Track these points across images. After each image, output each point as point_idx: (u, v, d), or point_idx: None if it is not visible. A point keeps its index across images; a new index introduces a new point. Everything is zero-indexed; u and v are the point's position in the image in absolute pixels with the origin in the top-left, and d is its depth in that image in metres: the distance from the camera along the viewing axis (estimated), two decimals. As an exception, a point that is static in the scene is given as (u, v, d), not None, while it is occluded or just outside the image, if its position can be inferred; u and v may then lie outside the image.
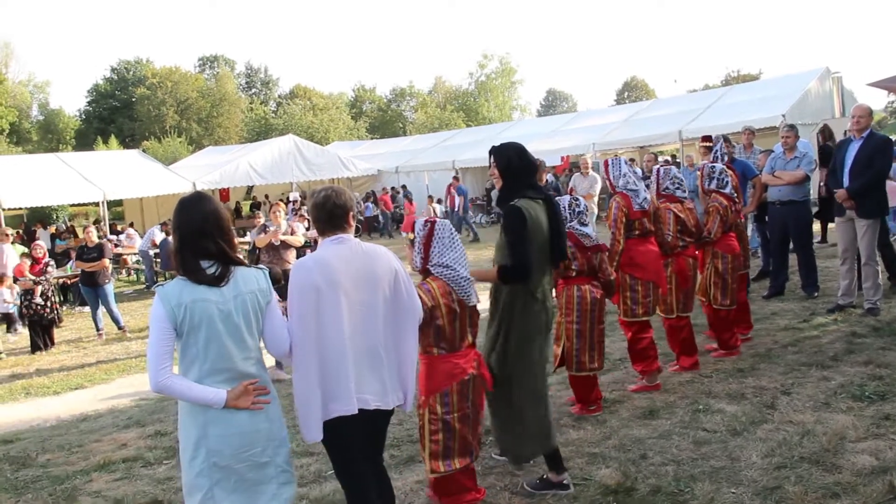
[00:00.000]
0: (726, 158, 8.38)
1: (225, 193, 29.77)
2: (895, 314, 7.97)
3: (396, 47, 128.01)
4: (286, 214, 12.91)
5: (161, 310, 3.08)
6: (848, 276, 8.36)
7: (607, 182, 6.47)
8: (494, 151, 4.78)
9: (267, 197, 30.15)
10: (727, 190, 7.20)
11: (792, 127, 9.32)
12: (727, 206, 7.12)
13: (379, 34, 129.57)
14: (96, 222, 20.92)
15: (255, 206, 30.75)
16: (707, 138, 9.54)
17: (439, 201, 25.79)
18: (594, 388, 5.91)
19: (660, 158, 24.48)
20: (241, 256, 3.34)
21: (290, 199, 26.82)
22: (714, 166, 7.38)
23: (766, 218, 9.90)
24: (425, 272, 4.17)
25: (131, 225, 24.66)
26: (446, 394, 4.11)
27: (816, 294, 9.17)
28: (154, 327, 3.09)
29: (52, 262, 12.47)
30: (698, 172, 7.79)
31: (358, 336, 3.51)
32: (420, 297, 3.88)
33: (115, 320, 11.99)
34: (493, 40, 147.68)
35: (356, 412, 3.47)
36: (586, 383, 5.85)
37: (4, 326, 13.38)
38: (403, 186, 29.58)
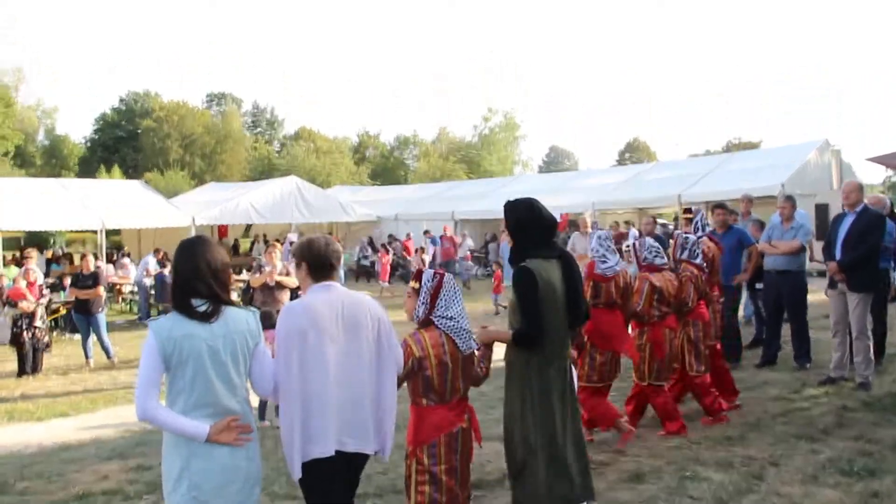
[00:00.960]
0: (707, 229, 8.49)
1: (224, 230, 29.86)
2: (886, 389, 7.97)
3: (402, 96, 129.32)
4: (282, 255, 12.93)
5: (153, 342, 3.20)
6: (840, 349, 8.39)
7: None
8: (506, 208, 4.74)
9: (265, 236, 30.13)
10: (698, 261, 7.32)
11: (789, 198, 9.42)
12: (698, 276, 7.23)
13: (385, 82, 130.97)
14: (94, 253, 20.84)
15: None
16: (688, 210, 9.67)
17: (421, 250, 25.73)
18: None
19: (659, 221, 24.66)
20: (234, 298, 3.47)
21: (289, 240, 26.89)
22: (687, 237, 7.51)
23: (759, 286, 9.96)
24: (426, 322, 4.16)
25: (127, 255, 24.63)
26: (433, 445, 4.07)
27: (808, 365, 9.17)
28: (145, 358, 3.21)
29: (46, 287, 12.43)
30: (672, 241, 7.92)
31: (342, 381, 3.62)
32: (409, 347, 3.98)
33: (105, 350, 11.93)
34: (499, 94, 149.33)
35: (332, 454, 3.56)
36: None
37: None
38: (408, 234, 29.50)
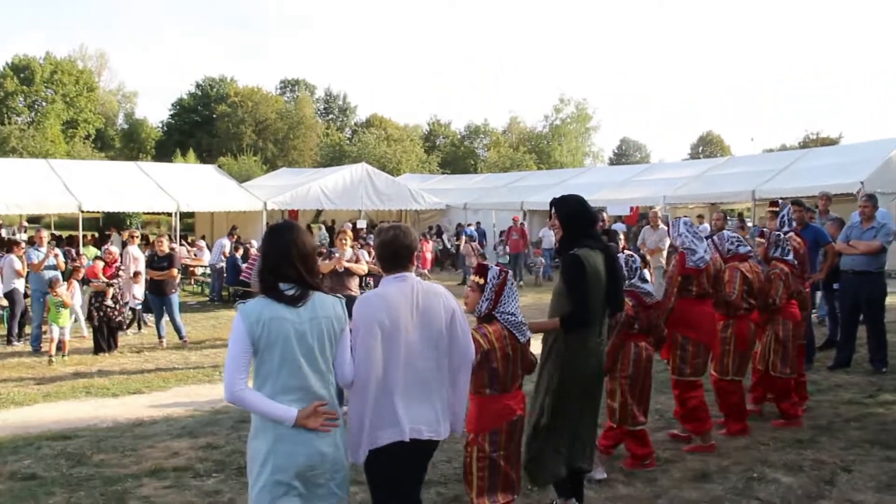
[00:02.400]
0: (794, 224, 8.23)
1: (294, 215, 30.25)
2: (967, 398, 7.70)
3: (474, 84, 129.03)
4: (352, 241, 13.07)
5: (241, 325, 3.24)
6: (920, 355, 8.13)
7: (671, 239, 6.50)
8: (556, 203, 4.97)
9: (333, 222, 30.48)
10: (789, 258, 7.16)
11: (871, 197, 9.13)
12: (789, 273, 7.04)
13: (457, 71, 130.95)
14: (169, 235, 21.37)
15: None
16: (774, 203, 9.40)
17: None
18: (646, 442, 5.83)
19: (729, 219, 24.15)
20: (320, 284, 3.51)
21: (357, 226, 27.15)
22: (779, 234, 7.33)
23: (836, 287, 9.70)
24: (488, 317, 4.29)
25: (202, 238, 25.19)
26: (495, 433, 4.24)
27: (884, 370, 8.90)
28: (234, 341, 3.25)
29: (124, 267, 12.76)
30: (759, 239, 7.72)
31: (414, 370, 3.66)
32: (476, 341, 4.05)
33: (178, 330, 12.25)
34: (571, 84, 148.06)
35: (407, 440, 3.59)
36: (638, 438, 5.78)
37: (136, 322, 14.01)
38: (478, 223, 29.44)
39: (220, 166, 38.30)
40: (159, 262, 12.27)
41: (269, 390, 3.26)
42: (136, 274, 13.24)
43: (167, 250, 12.45)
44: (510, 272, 4.38)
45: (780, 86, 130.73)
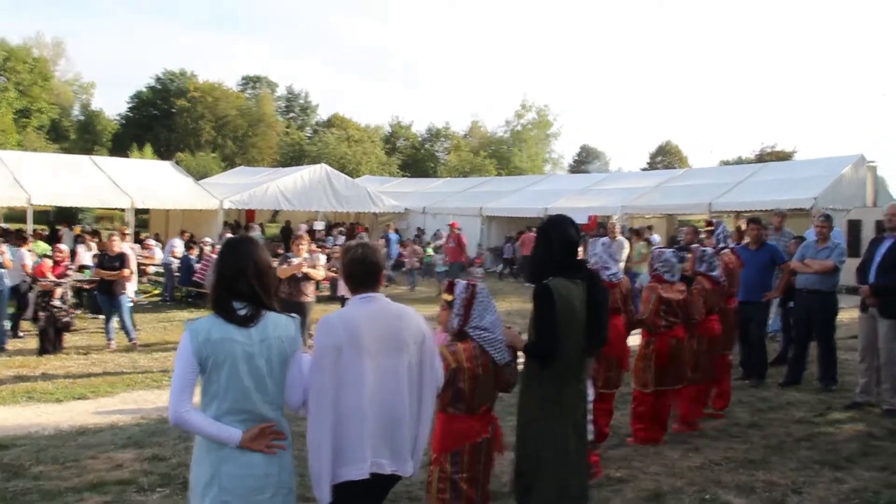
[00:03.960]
0: (729, 241, 8.44)
1: (251, 215, 29.97)
2: (915, 418, 7.79)
3: (437, 85, 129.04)
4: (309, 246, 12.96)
5: (188, 344, 3.15)
6: (867, 374, 8.25)
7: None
8: (540, 228, 4.72)
9: (289, 223, 30.18)
10: (714, 273, 7.41)
11: (828, 217, 9.22)
12: (710, 290, 7.28)
13: (420, 72, 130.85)
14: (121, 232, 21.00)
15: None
16: (709, 222, 9.54)
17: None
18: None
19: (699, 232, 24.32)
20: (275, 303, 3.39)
21: (315, 228, 26.93)
22: (705, 250, 7.59)
23: (790, 304, 9.80)
24: (460, 334, 4.15)
25: (156, 236, 24.76)
26: (457, 454, 4.09)
27: (834, 387, 9.01)
28: (180, 361, 3.17)
29: (73, 266, 12.49)
30: (689, 255, 7.87)
31: (379, 400, 3.47)
32: (445, 358, 3.93)
33: (127, 332, 11.92)
34: (533, 88, 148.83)
35: (367, 476, 3.42)
36: None
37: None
38: (419, 229, 29.34)
39: (177, 162, 37.78)
40: (110, 261, 11.97)
41: (214, 411, 3.17)
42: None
43: (118, 250, 12.16)
44: (482, 286, 4.23)
45: (738, 98, 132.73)
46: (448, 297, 4.17)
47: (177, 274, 18.03)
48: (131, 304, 13.32)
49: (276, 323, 3.28)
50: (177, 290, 18.15)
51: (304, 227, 26.21)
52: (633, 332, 6.89)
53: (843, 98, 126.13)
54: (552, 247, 4.53)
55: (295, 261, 10.09)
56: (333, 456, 3.37)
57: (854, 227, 18.78)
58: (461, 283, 4.20)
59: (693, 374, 7.17)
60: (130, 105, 70.90)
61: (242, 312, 3.21)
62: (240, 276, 3.26)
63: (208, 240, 19.52)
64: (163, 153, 55.13)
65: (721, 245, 8.09)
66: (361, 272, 3.61)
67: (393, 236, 25.97)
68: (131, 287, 13.59)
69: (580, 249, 4.79)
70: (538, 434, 4.44)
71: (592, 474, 5.65)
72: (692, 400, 7.39)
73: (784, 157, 59.89)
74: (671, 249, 7.20)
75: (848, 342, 11.10)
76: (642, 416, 6.92)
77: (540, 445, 4.43)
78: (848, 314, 10.76)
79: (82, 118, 69.14)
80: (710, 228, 9.20)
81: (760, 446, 6.87)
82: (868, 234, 19.10)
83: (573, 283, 4.45)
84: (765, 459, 6.49)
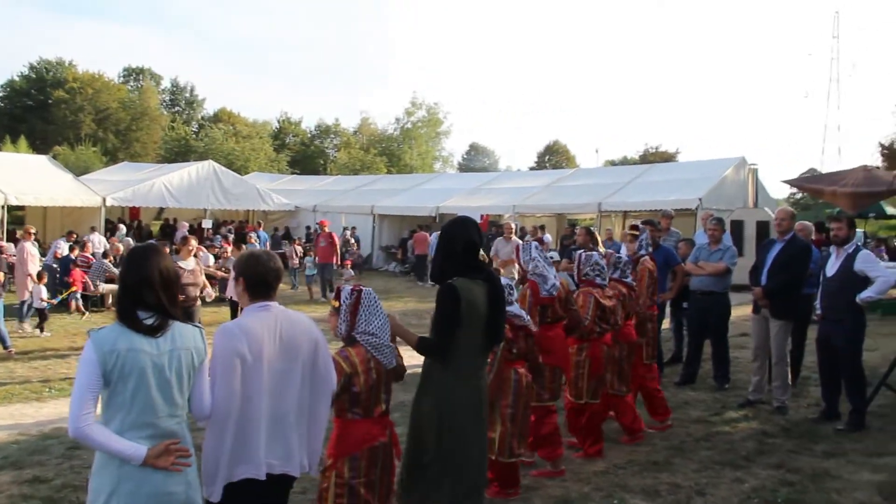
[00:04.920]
0: (650, 248, 8.48)
1: (135, 212, 28.88)
2: (802, 414, 8.09)
3: (324, 82, 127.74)
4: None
5: (93, 354, 2.98)
6: (759, 373, 8.51)
7: (518, 266, 6.47)
8: (443, 230, 4.74)
9: (175, 220, 29.21)
10: (628, 280, 7.34)
11: (720, 220, 9.47)
12: (626, 294, 7.20)
13: (309, 67, 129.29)
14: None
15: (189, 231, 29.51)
16: (634, 227, 9.61)
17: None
18: (516, 472, 5.72)
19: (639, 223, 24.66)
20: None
21: (203, 226, 26.17)
22: (620, 256, 7.49)
23: (685, 305, 10.02)
24: (350, 339, 4.10)
25: (33, 234, 23.45)
26: (355, 458, 4.01)
27: (727, 385, 9.25)
28: (82, 371, 2.98)
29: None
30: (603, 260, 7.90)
31: (273, 404, 3.49)
32: (338, 364, 3.89)
33: (2, 339, 11.19)
34: (423, 87, 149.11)
35: (264, 477, 3.43)
36: (511, 468, 5.65)
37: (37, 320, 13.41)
38: (353, 228, 28.78)
39: (55, 156, 36.08)
40: (-20, 264, 11.22)
41: (117, 425, 3.01)
42: (41, 274, 13.70)
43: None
44: (368, 290, 4.18)
45: (623, 99, 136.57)
46: (335, 304, 4.15)
47: (57, 276, 17.11)
48: (47, 306, 13.27)
49: (183, 333, 3.19)
50: (58, 291, 17.23)
51: (185, 225, 25.51)
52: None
53: (722, 101, 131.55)
54: (455, 248, 4.56)
55: (187, 267, 9.73)
56: (230, 457, 3.38)
57: (736, 227, 19.45)
58: (346, 289, 4.17)
59: (618, 384, 7.08)
60: (2, 94, 67.35)
61: (149, 322, 3.09)
62: (145, 285, 3.15)
63: (93, 238, 18.78)
64: (39, 147, 52.65)
65: (642, 252, 8.13)
66: (258, 281, 3.60)
67: (262, 234, 25.43)
68: (41, 290, 13.24)
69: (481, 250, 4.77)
70: (432, 430, 4.41)
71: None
72: (626, 409, 7.24)
73: (668, 157, 61.99)
74: (596, 252, 7.14)
75: (737, 340, 11.46)
76: (590, 430, 6.73)
77: (434, 441, 4.40)
78: (735, 312, 11.04)
79: (-54, 107, 65.22)
80: (634, 233, 9.25)
81: (662, 447, 6.96)
82: (750, 233, 19.90)
83: (475, 283, 4.49)
84: (667, 461, 6.57)
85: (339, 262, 19.48)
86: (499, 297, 4.60)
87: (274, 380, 3.49)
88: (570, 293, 6.49)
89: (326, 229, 19.72)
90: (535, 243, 6.46)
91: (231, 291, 12.17)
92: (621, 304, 7.08)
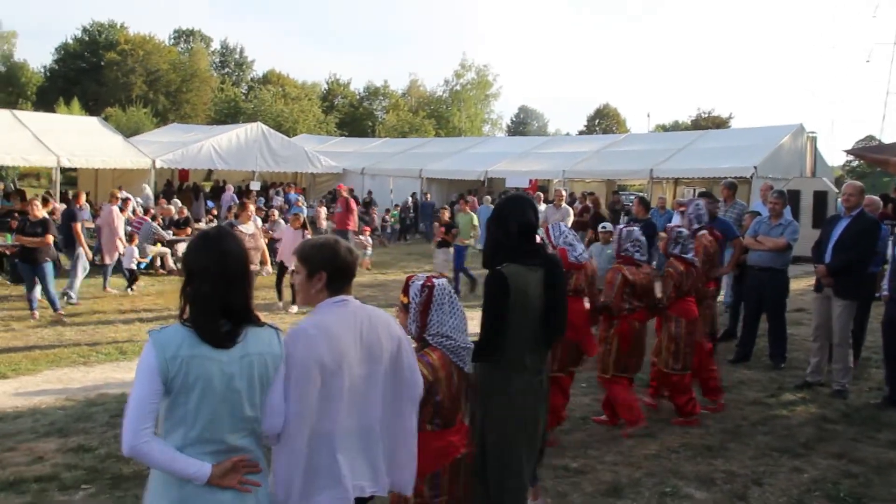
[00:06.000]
0: (704, 220, 8.07)
1: (184, 174, 29.04)
2: (864, 399, 7.75)
3: (375, 42, 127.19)
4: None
5: (153, 360, 2.59)
6: (819, 354, 8.16)
7: (549, 244, 6.25)
8: (495, 209, 4.36)
9: (224, 182, 29.28)
10: (689, 256, 7.03)
11: (781, 193, 9.06)
12: (682, 272, 6.91)
13: (358, 29, 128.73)
14: (44, 199, 19.98)
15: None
16: (680, 204, 9.25)
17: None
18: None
19: (687, 192, 24.13)
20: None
21: (251, 188, 26.21)
22: (681, 231, 7.18)
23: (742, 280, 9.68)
24: (421, 341, 3.61)
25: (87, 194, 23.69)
26: (437, 475, 3.54)
27: (783, 365, 8.92)
28: (141, 379, 2.60)
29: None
30: (663, 234, 7.61)
31: (353, 415, 3.02)
32: (420, 372, 3.37)
33: (52, 302, 11.17)
34: (472, 47, 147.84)
35: (352, 502, 2.99)
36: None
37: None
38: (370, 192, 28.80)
39: (106, 118, 36.43)
40: (32, 227, 11.22)
41: (178, 440, 2.63)
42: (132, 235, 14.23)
43: (41, 215, 11.41)
44: (438, 286, 3.61)
45: (675, 62, 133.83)
46: (404, 300, 3.67)
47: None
48: (142, 265, 13.69)
49: (258, 337, 2.77)
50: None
51: (231, 187, 25.59)
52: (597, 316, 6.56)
53: (777, 65, 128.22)
54: (509, 230, 4.18)
55: (247, 231, 9.70)
56: (306, 481, 2.89)
57: (792, 196, 18.86)
58: (416, 284, 3.64)
59: (673, 362, 6.87)
60: (56, 57, 68.18)
61: (225, 329, 2.69)
62: (221, 283, 2.70)
63: (140, 199, 18.86)
64: (91, 108, 53.23)
65: (695, 227, 7.75)
66: (337, 273, 3.07)
67: (293, 196, 25.28)
68: (133, 251, 13.60)
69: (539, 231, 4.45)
70: (491, 430, 4.09)
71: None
72: (683, 389, 6.98)
73: (721, 122, 60.76)
74: (637, 227, 6.88)
75: (793, 315, 11.08)
76: (620, 401, 6.59)
77: (492, 440, 4.08)
78: (792, 285, 10.65)
79: (3, 69, 66.08)
80: (682, 209, 8.91)
81: (717, 431, 6.70)
82: (807, 203, 19.30)
83: (529, 270, 4.11)
84: (722, 446, 6.31)
85: (356, 230, 18.63)
86: (557, 284, 4.21)
87: (356, 388, 3.02)
88: (596, 273, 6.40)
89: (344, 194, 18.67)
90: (563, 224, 6.45)
91: (283, 256, 12.09)
92: (680, 281, 6.85)
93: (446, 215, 15.48)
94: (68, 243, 12.95)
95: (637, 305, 6.54)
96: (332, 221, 18.82)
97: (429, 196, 27.34)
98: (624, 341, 6.45)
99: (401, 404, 3.19)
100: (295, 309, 12.06)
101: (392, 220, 26.28)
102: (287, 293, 12.20)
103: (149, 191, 22.60)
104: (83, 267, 12.86)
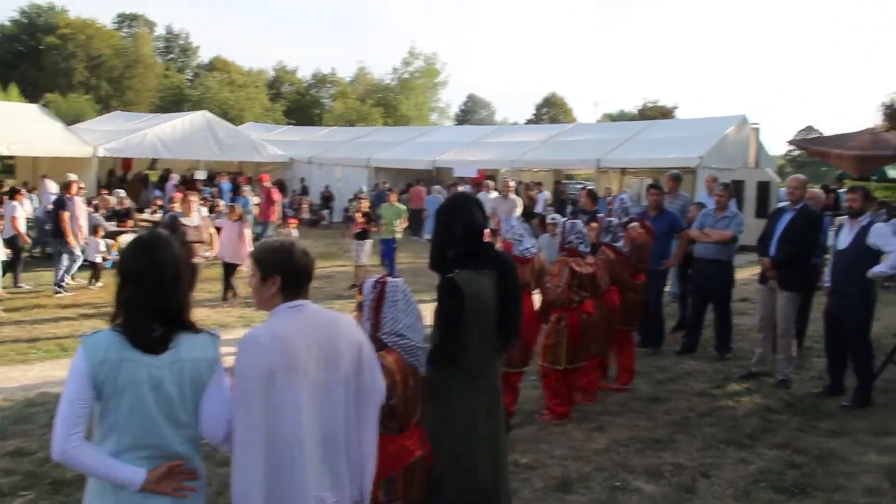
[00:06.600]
0: (632, 212, 8.21)
1: (128, 163, 28.43)
2: (807, 388, 7.90)
3: (322, 29, 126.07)
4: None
5: (83, 365, 2.55)
6: (763, 345, 8.31)
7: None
8: (439, 210, 4.27)
9: (169, 171, 28.72)
10: (619, 244, 7.31)
11: (726, 186, 9.21)
12: (614, 261, 7.15)
13: (305, 15, 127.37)
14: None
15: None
16: (653, 186, 9.36)
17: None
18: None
19: (634, 183, 24.32)
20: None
21: (196, 177, 25.78)
22: (612, 220, 7.42)
23: (689, 272, 9.80)
24: (376, 341, 3.47)
25: (26, 186, 23.07)
26: (391, 480, 3.45)
27: (729, 356, 9.06)
28: (71, 384, 2.55)
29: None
30: (594, 224, 7.77)
31: (314, 424, 2.89)
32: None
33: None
34: (420, 34, 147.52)
35: None
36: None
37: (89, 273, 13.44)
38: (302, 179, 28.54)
39: (46, 104, 35.51)
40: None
41: (112, 446, 2.58)
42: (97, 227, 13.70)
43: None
44: (391, 283, 3.54)
45: (621, 51, 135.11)
46: (359, 298, 3.61)
47: (47, 227, 16.78)
48: (108, 264, 13.32)
49: (192, 343, 2.71)
50: (48, 244, 16.89)
51: (175, 177, 25.13)
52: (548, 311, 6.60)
53: (720, 56, 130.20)
54: (455, 232, 4.11)
55: (191, 224, 9.51)
56: (267, 497, 2.77)
57: (736, 187, 19.16)
58: (369, 282, 3.56)
59: (591, 345, 6.96)
60: (-8, 41, 66.30)
61: (156, 335, 2.64)
62: (164, 286, 2.67)
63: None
64: (30, 94, 51.90)
65: (625, 219, 7.88)
66: (293, 277, 2.95)
67: (226, 185, 24.93)
68: (98, 244, 13.39)
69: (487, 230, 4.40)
70: (445, 435, 4.02)
71: None
72: (591, 370, 7.25)
73: (666, 112, 61.44)
74: (580, 221, 6.95)
75: (738, 305, 11.25)
76: (558, 393, 6.73)
77: (446, 446, 4.00)
78: (737, 275, 10.79)
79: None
80: (654, 196, 9.07)
81: (665, 423, 6.77)
82: (750, 194, 19.63)
83: (481, 275, 4.06)
84: (670, 438, 6.38)
85: (279, 221, 18.11)
86: (510, 288, 4.18)
87: (316, 395, 2.88)
88: (544, 267, 6.43)
89: (266, 184, 18.45)
90: (514, 216, 6.47)
91: (228, 256, 11.88)
92: (608, 270, 7.01)
93: (365, 205, 14.87)
94: (56, 233, 12.74)
95: (584, 296, 6.60)
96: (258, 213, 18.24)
97: (386, 185, 27.16)
98: (574, 333, 6.51)
99: (363, 412, 3.08)
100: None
101: (353, 209, 26.01)
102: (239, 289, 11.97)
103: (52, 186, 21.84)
104: (71, 258, 12.72)
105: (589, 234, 7.21)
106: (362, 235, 13.81)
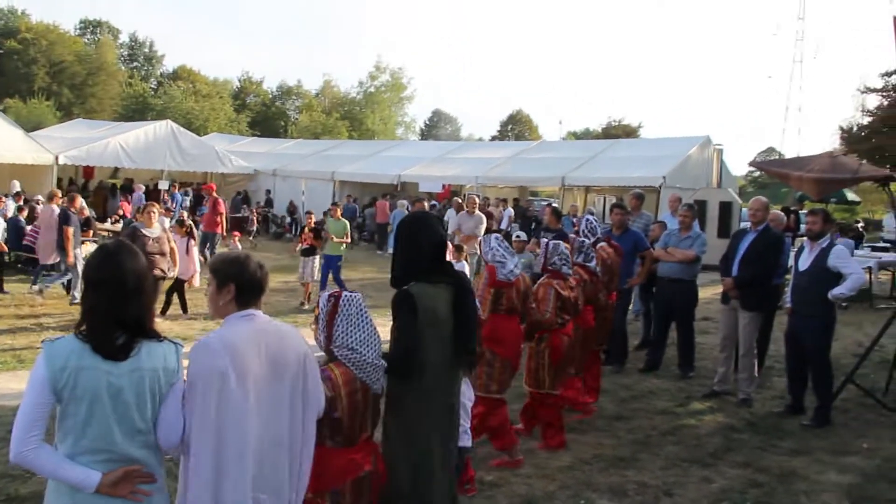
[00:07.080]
0: (599, 231, 8.22)
1: (89, 171, 28.10)
2: (768, 407, 7.99)
3: (289, 41, 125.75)
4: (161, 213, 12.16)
5: (43, 371, 2.63)
6: (726, 364, 8.41)
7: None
8: (401, 226, 4.27)
9: (132, 181, 28.41)
10: (591, 265, 7.28)
11: (690, 207, 9.33)
12: (587, 280, 7.11)
13: (272, 26, 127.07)
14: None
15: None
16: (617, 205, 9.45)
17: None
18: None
19: (598, 201, 24.53)
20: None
21: (159, 187, 25.51)
22: (584, 241, 7.39)
23: (653, 290, 9.88)
24: (329, 353, 3.58)
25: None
26: (337, 493, 3.48)
27: (691, 374, 9.14)
28: (31, 389, 2.64)
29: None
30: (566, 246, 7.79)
31: (260, 428, 3.00)
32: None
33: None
34: (387, 51, 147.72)
35: None
36: None
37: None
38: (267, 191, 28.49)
39: (5, 109, 34.96)
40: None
41: (68, 448, 2.66)
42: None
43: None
44: (349, 295, 3.61)
45: (587, 70, 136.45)
46: (316, 311, 3.64)
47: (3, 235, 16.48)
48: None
49: (152, 352, 2.77)
50: (8, 255, 16.59)
51: (141, 187, 24.87)
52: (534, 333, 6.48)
53: (685, 77, 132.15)
54: (419, 248, 4.10)
55: (152, 235, 9.37)
56: (215, 496, 2.88)
57: (699, 206, 19.39)
58: (324, 295, 3.65)
59: (570, 367, 6.98)
60: (-51, 44, 65.13)
61: (119, 342, 2.71)
62: (127, 295, 2.75)
63: (41, 198, 18.00)
64: (-12, 98, 51.04)
65: (592, 239, 7.91)
66: (246, 286, 3.08)
67: (178, 196, 24.75)
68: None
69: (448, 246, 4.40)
70: (400, 452, 4.01)
71: (467, 490, 5.37)
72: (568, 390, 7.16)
73: (630, 131, 62.16)
74: (563, 242, 6.94)
75: (701, 324, 11.36)
76: (550, 421, 6.59)
77: (401, 464, 3.99)
78: (700, 294, 10.92)
79: None
80: (620, 214, 9.16)
81: (628, 441, 6.81)
82: (713, 213, 19.86)
83: (437, 288, 4.05)
84: (634, 456, 6.41)
85: (224, 232, 17.78)
86: (466, 302, 4.15)
87: (262, 402, 3.00)
88: (529, 288, 6.25)
89: (213, 194, 18.19)
90: (494, 236, 6.25)
91: (189, 276, 11.75)
92: (582, 291, 6.95)
93: (313, 220, 14.71)
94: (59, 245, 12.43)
95: (567, 319, 6.55)
96: (203, 223, 17.76)
97: (352, 199, 27.08)
98: (556, 355, 6.43)
99: (305, 422, 3.20)
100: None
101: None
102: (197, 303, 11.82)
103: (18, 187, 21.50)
104: (65, 272, 12.55)
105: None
106: (309, 252, 13.55)
